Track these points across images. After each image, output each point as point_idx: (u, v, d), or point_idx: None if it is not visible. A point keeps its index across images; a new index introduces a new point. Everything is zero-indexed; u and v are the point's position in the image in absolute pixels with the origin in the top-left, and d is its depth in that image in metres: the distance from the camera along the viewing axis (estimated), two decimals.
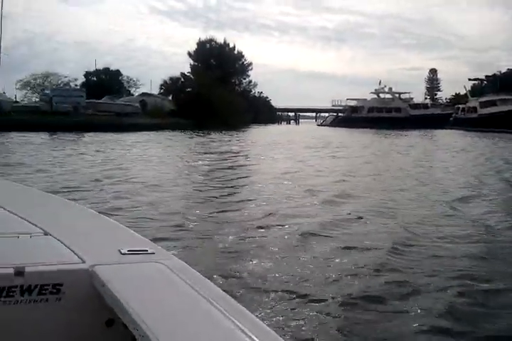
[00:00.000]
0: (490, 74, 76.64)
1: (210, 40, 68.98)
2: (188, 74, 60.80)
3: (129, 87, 63.31)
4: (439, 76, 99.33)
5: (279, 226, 6.01)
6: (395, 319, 3.32)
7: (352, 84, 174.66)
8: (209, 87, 49.38)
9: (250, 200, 7.87)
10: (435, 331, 3.14)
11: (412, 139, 33.86)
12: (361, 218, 6.50)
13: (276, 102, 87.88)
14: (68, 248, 1.49)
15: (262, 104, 77.30)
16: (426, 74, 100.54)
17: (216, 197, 8.10)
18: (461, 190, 9.29)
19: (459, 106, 68.52)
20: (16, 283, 1.28)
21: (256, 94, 77.09)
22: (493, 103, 58.84)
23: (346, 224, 6.12)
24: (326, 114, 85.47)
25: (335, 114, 79.48)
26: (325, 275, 4.17)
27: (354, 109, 72.17)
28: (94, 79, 59.28)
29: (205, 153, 17.10)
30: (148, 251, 1.52)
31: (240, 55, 71.22)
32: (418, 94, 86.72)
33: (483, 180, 11.04)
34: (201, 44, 68.42)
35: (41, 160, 13.04)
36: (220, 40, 69.78)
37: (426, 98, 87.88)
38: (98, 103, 39.72)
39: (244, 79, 73.13)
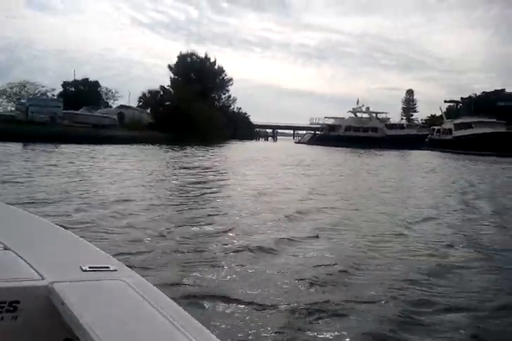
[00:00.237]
0: (465, 96, 78.34)
1: (191, 54, 69.28)
2: (167, 87, 60.87)
3: (107, 98, 63.10)
4: (415, 97, 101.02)
5: (236, 241, 6.20)
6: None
7: (331, 102, 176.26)
8: (188, 101, 49.48)
9: (213, 215, 8.01)
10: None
11: (386, 159, 34.40)
12: (317, 236, 6.68)
13: (255, 118, 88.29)
14: (28, 264, 1.45)
15: (241, 119, 77.52)
16: (403, 94, 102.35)
17: (181, 212, 8.22)
18: (420, 211, 9.57)
19: (435, 127, 69.71)
20: None
21: (235, 110, 77.37)
22: (468, 125, 59.90)
23: (301, 241, 6.31)
24: (304, 132, 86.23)
25: (312, 131, 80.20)
26: (273, 288, 4.36)
27: (331, 128, 72.88)
28: (72, 89, 58.92)
29: (178, 168, 17.20)
30: (110, 268, 1.50)
31: (221, 70, 71.57)
32: (395, 115, 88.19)
33: (444, 201, 11.36)
34: (182, 57, 68.65)
35: (10, 171, 12.91)
36: (201, 54, 70.18)
37: (402, 118, 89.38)
38: (75, 114, 39.39)
39: (224, 94, 73.44)
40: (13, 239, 1.70)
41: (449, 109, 76.13)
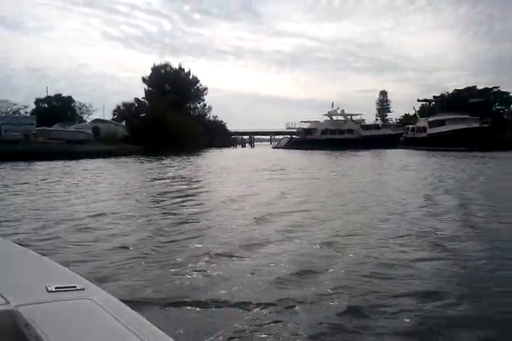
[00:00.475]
0: (438, 94, 79.53)
1: (165, 65, 69.56)
2: (142, 99, 60.90)
3: (81, 113, 62.80)
4: (389, 97, 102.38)
5: (205, 247, 6.28)
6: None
7: (307, 107, 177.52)
8: (163, 112, 49.52)
9: (183, 223, 8.08)
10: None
11: (361, 160, 34.81)
12: (283, 237, 6.85)
13: (232, 126, 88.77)
14: None
15: (217, 128, 77.83)
16: (377, 96, 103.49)
17: (149, 222, 8.25)
18: (385, 208, 9.74)
19: (409, 126, 70.58)
20: None
21: (211, 118, 77.65)
22: (441, 122, 60.77)
23: (268, 243, 6.47)
24: (281, 137, 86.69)
25: (289, 136, 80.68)
26: (241, 290, 4.49)
27: (308, 131, 73.46)
28: (46, 106, 58.62)
29: (152, 179, 17.22)
30: (78, 287, 1.48)
31: (196, 80, 71.96)
32: (370, 116, 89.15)
33: (410, 197, 11.57)
34: (156, 69, 68.83)
35: None
36: (175, 65, 70.44)
37: (377, 119, 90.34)
38: (49, 130, 39.01)
39: (199, 103, 73.77)
40: None
41: (422, 107, 77.18)
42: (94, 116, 57.98)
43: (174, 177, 17.86)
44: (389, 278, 4.88)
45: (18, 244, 2.19)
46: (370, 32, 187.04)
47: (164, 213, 9.45)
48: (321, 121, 74.74)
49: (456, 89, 78.86)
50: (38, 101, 58.83)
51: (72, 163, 26.13)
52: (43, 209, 9.74)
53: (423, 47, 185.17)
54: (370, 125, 72.89)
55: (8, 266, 1.77)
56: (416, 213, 9.08)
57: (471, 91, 75.20)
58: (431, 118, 64.52)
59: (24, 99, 78.28)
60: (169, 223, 8.21)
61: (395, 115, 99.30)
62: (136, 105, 56.28)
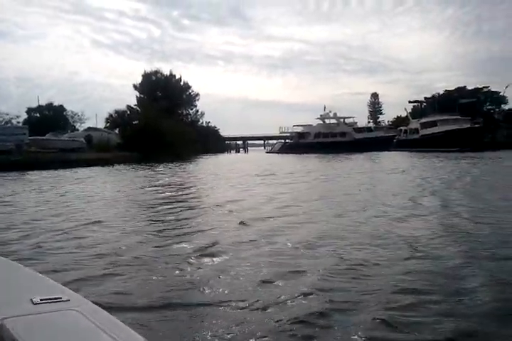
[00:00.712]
0: (429, 95, 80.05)
1: (156, 72, 69.56)
2: (134, 106, 60.94)
3: (73, 121, 62.75)
4: (380, 100, 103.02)
5: (194, 250, 6.42)
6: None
7: (299, 111, 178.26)
8: (156, 118, 49.54)
9: (171, 230, 8.15)
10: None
11: (353, 163, 34.99)
12: (271, 239, 7.07)
13: (225, 131, 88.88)
14: None
15: (211, 133, 77.93)
16: (368, 98, 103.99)
17: (135, 230, 8.23)
18: (362, 210, 9.98)
19: (401, 128, 71.04)
20: None
21: (204, 124, 77.73)
22: (433, 123, 61.23)
23: (254, 245, 6.66)
24: (275, 141, 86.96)
25: (283, 140, 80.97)
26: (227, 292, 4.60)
27: (301, 135, 73.80)
28: (37, 115, 58.56)
29: (145, 187, 17.25)
30: (63, 299, 1.48)
31: (187, 86, 72.01)
32: (362, 118, 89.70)
33: (396, 200, 11.72)
34: (146, 76, 68.83)
35: None
36: (165, 71, 70.51)
37: (369, 122, 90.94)
38: (42, 140, 39.03)
39: (192, 109, 73.80)
40: None
41: (413, 109, 77.70)
42: (87, 124, 58.10)
43: (166, 185, 17.94)
44: (360, 276, 5.09)
45: (0, 255, 2.19)
46: (359, 34, 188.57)
47: (152, 220, 9.53)
48: (314, 124, 75.13)
49: (446, 90, 79.43)
50: (29, 111, 58.75)
51: (64, 172, 26.20)
52: (25, 219, 9.68)
53: (412, 49, 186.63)
54: (363, 128, 73.30)
55: None
56: (396, 215, 9.23)
57: (461, 91, 75.71)
58: (422, 120, 65.01)
59: (15, 109, 78.37)
60: (156, 229, 8.30)
61: (386, 117, 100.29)
62: (129, 112, 56.35)
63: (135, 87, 67.97)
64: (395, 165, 28.41)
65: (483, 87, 75.99)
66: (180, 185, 18.03)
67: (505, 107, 74.40)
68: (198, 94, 73.09)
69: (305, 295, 4.49)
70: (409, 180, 17.89)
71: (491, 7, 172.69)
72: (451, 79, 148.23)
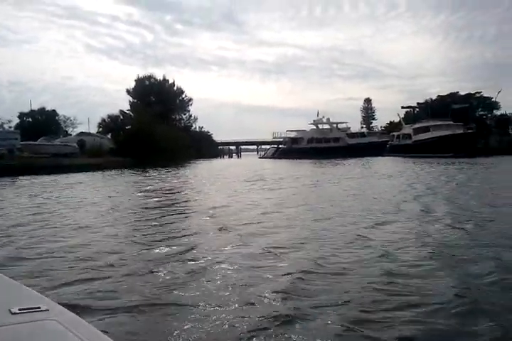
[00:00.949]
0: (421, 101, 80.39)
1: (149, 77, 69.56)
2: (127, 111, 60.86)
3: (66, 126, 62.55)
4: (373, 105, 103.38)
5: (180, 257, 6.37)
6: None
7: (292, 116, 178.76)
8: (149, 123, 49.51)
9: (155, 234, 8.19)
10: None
11: (346, 168, 35.19)
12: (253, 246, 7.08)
13: (218, 136, 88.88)
14: None
15: (204, 138, 77.97)
16: (361, 103, 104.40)
17: (116, 236, 8.21)
18: (341, 216, 10.07)
19: (394, 133, 71.21)
20: None
21: (197, 129, 77.70)
22: (426, 129, 61.41)
23: (235, 250, 6.59)
24: (268, 146, 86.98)
25: (276, 146, 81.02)
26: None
27: (294, 141, 73.91)
28: (30, 120, 58.36)
29: (135, 192, 17.28)
30: (42, 308, 1.45)
31: (180, 91, 72.07)
32: (355, 124, 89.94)
33: (377, 205, 11.95)
34: (140, 81, 68.82)
35: None
36: (159, 76, 70.49)
37: (362, 127, 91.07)
38: (34, 145, 38.94)
39: (185, 114, 73.78)
40: None
41: (406, 114, 77.93)
42: (80, 129, 57.89)
43: (154, 190, 17.94)
44: (330, 278, 5.31)
45: None
46: (352, 39, 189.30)
47: (134, 225, 9.62)
48: (307, 129, 75.26)
49: (439, 95, 79.84)
50: (21, 115, 58.53)
51: (56, 177, 26.11)
52: (14, 224, 9.72)
53: (405, 54, 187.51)
54: (356, 133, 73.49)
55: None
56: (373, 220, 9.37)
57: (454, 97, 76.11)
58: (415, 125, 65.18)
59: (7, 113, 77.83)
60: (136, 234, 8.41)
61: (379, 122, 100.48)
62: (122, 117, 56.28)
63: (128, 91, 67.99)
64: (385, 171, 28.58)
65: (476, 93, 76.45)
66: (169, 190, 18.04)
67: (498, 113, 74.87)
68: (191, 99, 73.23)
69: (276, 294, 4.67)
70: (396, 185, 18.07)
71: (484, 13, 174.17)
72: (444, 85, 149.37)
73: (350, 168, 34.53)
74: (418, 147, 59.81)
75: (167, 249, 7.03)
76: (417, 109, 76.76)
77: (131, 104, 65.38)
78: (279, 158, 67.83)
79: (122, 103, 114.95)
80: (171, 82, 70.81)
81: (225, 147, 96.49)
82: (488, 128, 67.15)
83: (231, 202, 13.33)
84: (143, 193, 16.81)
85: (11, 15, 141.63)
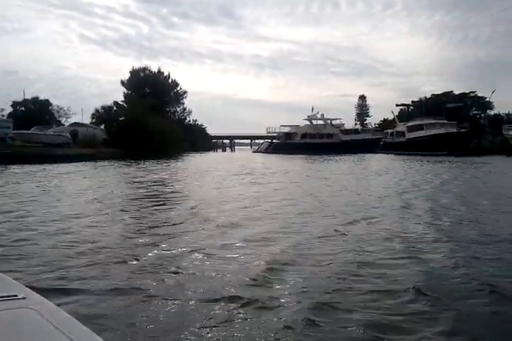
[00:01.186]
0: (416, 99, 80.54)
1: (144, 69, 69.28)
2: (121, 102, 60.58)
3: (59, 116, 62.17)
4: (368, 102, 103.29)
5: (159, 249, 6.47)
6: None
7: (286, 111, 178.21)
8: (142, 115, 49.32)
9: (135, 224, 8.20)
10: None
11: (337, 164, 35.38)
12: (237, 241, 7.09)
13: (213, 129, 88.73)
14: None
15: (198, 131, 77.76)
16: (356, 100, 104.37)
17: (100, 227, 8.21)
18: (321, 210, 10.17)
19: (388, 131, 71.23)
20: None
21: (191, 122, 77.47)
22: (419, 127, 61.49)
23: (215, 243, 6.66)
24: (261, 141, 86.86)
25: (269, 140, 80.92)
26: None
27: (288, 136, 73.80)
28: (23, 109, 58.00)
29: (125, 183, 17.32)
30: (19, 296, 1.43)
31: (175, 83, 71.82)
32: (349, 120, 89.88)
33: (358, 200, 12.18)
34: (134, 72, 68.50)
35: None
36: (154, 68, 70.16)
37: (356, 124, 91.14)
38: (27, 134, 38.68)
39: (179, 106, 73.52)
40: None
41: (400, 112, 77.98)
42: (73, 119, 57.55)
43: (143, 182, 17.97)
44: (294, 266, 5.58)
45: None
46: (348, 36, 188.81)
47: (116, 215, 9.68)
48: (301, 125, 75.16)
49: (433, 94, 80.00)
50: (15, 104, 58.17)
51: (48, 167, 26.00)
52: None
53: (400, 52, 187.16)
54: (350, 129, 73.50)
55: None
56: (352, 216, 9.51)
57: (448, 96, 76.28)
58: (409, 123, 65.21)
59: (0, 102, 77.41)
60: (118, 224, 8.57)
61: (373, 119, 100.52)
62: (115, 108, 56.04)
63: (123, 83, 67.69)
64: (375, 168, 28.80)
65: (470, 92, 76.66)
66: (156, 182, 18.05)
67: (491, 112, 75.17)
68: (185, 92, 73.05)
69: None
70: (381, 182, 18.28)
71: (478, 13, 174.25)
72: (438, 84, 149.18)
73: (341, 165, 34.63)
74: (411, 145, 59.90)
75: (144, 237, 7.23)
76: (412, 107, 76.86)
77: (126, 96, 65.10)
78: (273, 152, 67.77)
79: (116, 94, 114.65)
80: (165, 74, 70.65)
81: (218, 140, 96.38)
82: (482, 128, 67.38)
83: (216, 195, 13.48)
84: (130, 184, 16.91)
85: (7, 3, 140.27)
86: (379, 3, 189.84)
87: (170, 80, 70.80)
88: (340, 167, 30.79)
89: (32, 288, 1.73)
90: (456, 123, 59.10)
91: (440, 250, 6.47)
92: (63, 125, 53.09)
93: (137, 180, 18.92)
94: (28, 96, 59.66)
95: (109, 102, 57.89)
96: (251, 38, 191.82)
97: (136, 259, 5.87)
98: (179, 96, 72.53)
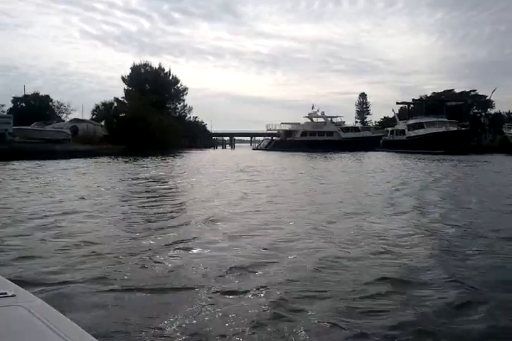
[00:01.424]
0: (416, 97, 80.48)
1: (145, 65, 69.20)
2: (121, 99, 60.49)
3: (59, 112, 61.94)
4: (368, 100, 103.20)
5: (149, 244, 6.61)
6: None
7: (287, 108, 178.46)
8: (143, 111, 49.26)
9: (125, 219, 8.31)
10: None
11: (336, 162, 35.49)
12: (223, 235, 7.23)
13: (212, 127, 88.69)
14: None
15: (198, 128, 77.73)
16: (356, 98, 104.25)
17: (100, 221, 8.38)
18: (312, 207, 10.37)
19: (388, 129, 71.22)
20: None
21: (191, 119, 77.35)
22: (420, 125, 61.48)
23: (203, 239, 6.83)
24: (262, 138, 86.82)
25: (269, 138, 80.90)
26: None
27: (288, 133, 73.78)
28: (23, 104, 57.85)
29: (124, 180, 17.31)
30: (8, 294, 1.42)
31: (175, 80, 71.72)
32: (349, 118, 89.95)
33: (351, 197, 12.36)
34: (135, 68, 68.42)
35: None
36: (155, 64, 70.04)
37: (356, 121, 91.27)
38: (27, 130, 38.60)
39: (180, 103, 73.38)
40: None
41: (401, 110, 77.86)
42: (73, 115, 57.44)
43: (145, 179, 17.99)
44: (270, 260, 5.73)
45: None
46: (349, 34, 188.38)
47: (113, 212, 9.72)
48: (302, 122, 75.16)
49: (434, 92, 79.97)
50: (15, 100, 58.02)
51: (47, 163, 26.00)
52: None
53: (402, 50, 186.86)
54: (350, 127, 73.58)
55: None
56: (340, 213, 9.67)
57: (449, 94, 76.30)
58: (410, 121, 65.19)
59: (0, 98, 77.26)
60: (101, 219, 8.65)
61: (374, 117, 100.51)
62: (116, 105, 55.92)
63: (123, 79, 67.64)
64: (375, 166, 28.91)
65: (471, 91, 76.67)
66: (152, 179, 18.10)
67: (492, 111, 75.20)
68: (186, 89, 72.92)
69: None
70: (376, 180, 18.33)
71: (479, 12, 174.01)
72: (439, 82, 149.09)
73: (339, 162, 34.72)
74: (411, 143, 59.91)
75: (129, 231, 7.48)
76: (412, 106, 76.77)
77: (126, 92, 64.99)
78: (273, 150, 67.83)
79: (116, 90, 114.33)
80: (166, 70, 70.55)
81: (218, 138, 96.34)
82: (482, 127, 67.45)
83: (209, 191, 13.68)
84: (127, 181, 16.97)
85: None
86: (381, 0, 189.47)
87: (170, 77, 70.77)
88: (337, 165, 30.85)
89: (19, 283, 1.72)
90: (456, 121, 59.09)
91: (411, 243, 6.77)
92: (63, 121, 52.93)
93: (135, 176, 18.97)
94: (29, 92, 59.70)
95: (109, 98, 57.83)
96: (252, 34, 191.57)
97: (117, 251, 6.07)
98: (179, 93, 72.43)
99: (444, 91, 78.70)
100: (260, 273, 5.21)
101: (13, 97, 58.05)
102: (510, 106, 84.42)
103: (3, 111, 51.11)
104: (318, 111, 74.44)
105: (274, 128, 77.90)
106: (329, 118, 73.74)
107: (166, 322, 3.81)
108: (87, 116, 54.54)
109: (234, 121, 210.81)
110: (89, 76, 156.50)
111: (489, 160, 36.46)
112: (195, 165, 28.04)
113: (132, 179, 17.67)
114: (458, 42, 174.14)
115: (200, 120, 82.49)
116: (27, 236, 6.94)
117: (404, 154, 50.26)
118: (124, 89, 66.41)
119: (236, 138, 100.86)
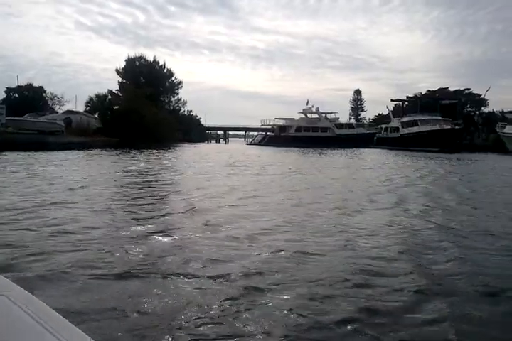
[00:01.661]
0: (411, 95, 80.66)
1: (140, 58, 68.97)
2: (115, 91, 60.35)
3: (53, 104, 61.66)
4: (363, 97, 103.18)
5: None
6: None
7: (281, 103, 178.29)
8: (137, 104, 49.20)
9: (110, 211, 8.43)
10: None
11: (328, 158, 35.69)
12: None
13: (207, 120, 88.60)
14: None
15: (192, 122, 77.62)
16: (351, 94, 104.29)
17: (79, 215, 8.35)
18: (298, 200, 10.42)
19: (382, 126, 71.46)
20: None
21: (186, 113, 77.21)
22: (414, 123, 61.78)
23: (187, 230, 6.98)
24: (256, 133, 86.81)
25: (263, 133, 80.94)
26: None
27: (282, 128, 73.84)
28: (16, 95, 57.57)
29: (114, 172, 17.32)
30: None
31: (170, 73, 71.52)
32: (344, 114, 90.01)
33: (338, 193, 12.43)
34: (130, 61, 68.16)
35: None
36: (149, 57, 69.84)
37: (351, 118, 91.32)
38: (20, 121, 38.42)
39: (174, 97, 73.19)
40: None
41: (395, 107, 78.10)
42: (66, 107, 57.15)
43: (135, 171, 18.08)
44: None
45: None
46: (345, 30, 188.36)
47: (92, 200, 9.93)
48: (296, 118, 75.24)
49: (428, 90, 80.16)
50: (8, 91, 57.66)
51: (40, 154, 25.97)
52: None
53: (397, 48, 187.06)
54: (344, 124, 73.74)
55: None
56: (316, 207, 9.86)
57: (443, 92, 76.52)
58: (404, 119, 65.49)
59: None
60: (85, 211, 8.69)
61: (368, 114, 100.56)
62: (110, 97, 55.80)
63: (118, 71, 67.42)
64: (367, 163, 29.20)
65: (465, 89, 76.96)
66: (144, 171, 18.19)
67: (485, 110, 75.53)
68: (180, 82, 72.75)
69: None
70: (364, 176, 18.67)
71: (475, 11, 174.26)
72: (433, 80, 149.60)
73: (330, 159, 34.96)
74: (405, 140, 60.23)
75: (112, 220, 7.70)
76: (406, 103, 77.03)
77: (120, 84, 64.86)
78: (266, 145, 67.93)
79: (110, 82, 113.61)
80: (161, 63, 70.38)
81: (212, 132, 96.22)
82: (476, 125, 67.77)
83: (196, 184, 13.76)
84: (118, 174, 17.02)
85: None
86: None
87: (165, 70, 70.60)
88: (329, 161, 31.04)
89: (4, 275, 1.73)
90: (450, 119, 59.40)
91: (381, 236, 7.02)
92: (57, 112, 52.72)
93: (126, 169, 19.04)
94: (22, 83, 59.37)
95: (103, 90, 57.75)
96: (248, 29, 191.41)
97: (100, 239, 6.29)
98: (174, 86, 72.27)
99: (439, 89, 78.95)
100: (234, 262, 5.38)
101: (6, 88, 57.73)
102: (504, 105, 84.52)
103: None
104: (312, 106, 74.59)
105: (268, 123, 77.98)
106: (323, 115, 73.85)
107: (145, 305, 3.99)
108: (81, 108, 54.38)
109: (228, 116, 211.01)
110: (83, 67, 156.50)
111: (482, 158, 36.71)
112: (188, 159, 28.14)
113: (124, 172, 17.70)
114: (454, 41, 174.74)
115: (194, 114, 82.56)
116: (9, 225, 7.02)
117: (397, 151, 50.50)
118: (119, 82, 66.30)
119: (230, 132, 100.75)
